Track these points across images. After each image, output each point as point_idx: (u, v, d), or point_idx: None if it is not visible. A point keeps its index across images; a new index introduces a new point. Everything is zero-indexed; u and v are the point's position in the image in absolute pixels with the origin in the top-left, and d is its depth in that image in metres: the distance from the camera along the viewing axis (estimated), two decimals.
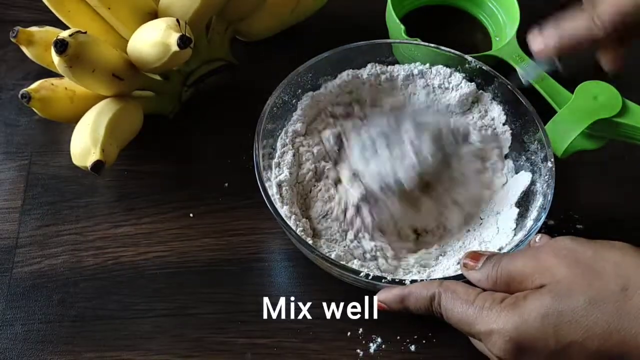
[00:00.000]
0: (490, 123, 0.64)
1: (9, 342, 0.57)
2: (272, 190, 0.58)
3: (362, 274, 0.53)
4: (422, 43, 0.66)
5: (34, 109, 0.65)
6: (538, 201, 0.57)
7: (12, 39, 0.64)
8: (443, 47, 0.65)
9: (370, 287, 0.56)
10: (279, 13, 0.75)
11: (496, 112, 0.64)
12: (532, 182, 0.60)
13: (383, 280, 0.53)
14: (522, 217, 0.59)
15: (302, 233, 0.56)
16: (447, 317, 0.49)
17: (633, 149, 0.65)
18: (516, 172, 0.63)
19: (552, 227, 0.64)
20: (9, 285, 0.60)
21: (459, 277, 0.52)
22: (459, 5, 0.80)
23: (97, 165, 0.60)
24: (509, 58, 0.68)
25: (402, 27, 0.69)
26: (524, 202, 0.60)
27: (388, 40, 0.65)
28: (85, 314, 0.59)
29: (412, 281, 0.52)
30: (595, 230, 0.64)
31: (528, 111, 0.61)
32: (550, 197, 0.56)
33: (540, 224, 0.55)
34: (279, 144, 0.62)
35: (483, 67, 0.63)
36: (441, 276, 0.54)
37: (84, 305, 0.59)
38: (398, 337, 0.58)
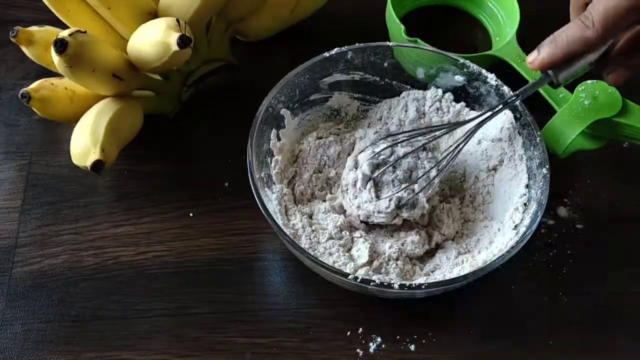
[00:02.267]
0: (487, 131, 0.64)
1: (9, 342, 0.57)
2: (265, 192, 0.59)
3: (350, 277, 0.52)
4: (419, 46, 0.66)
5: (33, 108, 0.65)
6: (532, 208, 0.57)
7: (12, 39, 0.64)
8: (437, 49, 0.65)
9: (364, 291, 0.56)
10: (279, 13, 0.75)
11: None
12: (528, 188, 0.60)
13: (371, 284, 0.52)
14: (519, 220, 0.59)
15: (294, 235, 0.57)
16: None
17: (634, 149, 0.65)
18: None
19: (552, 226, 0.64)
20: (8, 284, 0.60)
21: (460, 279, 0.52)
22: (459, 5, 0.80)
23: (97, 165, 0.60)
24: (509, 58, 0.68)
25: (402, 27, 0.69)
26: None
27: (385, 43, 0.65)
28: (85, 313, 0.59)
29: (401, 285, 0.52)
30: (595, 229, 0.64)
31: (527, 119, 0.61)
32: (544, 203, 0.56)
33: (534, 227, 0.55)
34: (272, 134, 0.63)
35: (482, 72, 0.63)
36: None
37: (84, 305, 0.59)
38: (398, 337, 0.58)
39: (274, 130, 0.62)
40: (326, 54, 0.64)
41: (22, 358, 0.56)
